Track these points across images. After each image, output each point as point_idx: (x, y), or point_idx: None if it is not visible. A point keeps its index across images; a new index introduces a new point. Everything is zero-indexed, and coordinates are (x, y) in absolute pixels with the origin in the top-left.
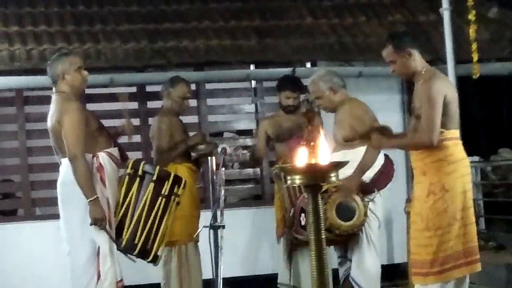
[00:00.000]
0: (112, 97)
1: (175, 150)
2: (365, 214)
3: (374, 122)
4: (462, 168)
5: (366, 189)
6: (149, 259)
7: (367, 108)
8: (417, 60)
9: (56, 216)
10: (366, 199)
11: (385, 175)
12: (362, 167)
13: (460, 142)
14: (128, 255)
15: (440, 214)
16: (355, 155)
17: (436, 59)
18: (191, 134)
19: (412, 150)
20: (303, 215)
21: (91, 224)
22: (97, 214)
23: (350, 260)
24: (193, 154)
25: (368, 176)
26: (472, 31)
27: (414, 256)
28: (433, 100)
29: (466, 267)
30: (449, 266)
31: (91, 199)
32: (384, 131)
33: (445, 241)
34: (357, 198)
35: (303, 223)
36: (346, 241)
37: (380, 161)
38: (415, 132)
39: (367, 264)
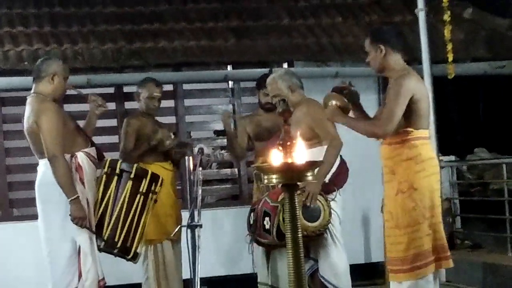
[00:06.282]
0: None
1: (137, 150)
2: (330, 214)
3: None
4: (430, 168)
5: (327, 189)
6: (130, 257)
7: (323, 108)
8: (389, 58)
9: (34, 217)
10: (328, 199)
11: (342, 175)
12: (325, 169)
13: (429, 142)
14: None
15: (409, 212)
16: (312, 154)
17: (412, 60)
18: None
19: (363, 134)
20: (267, 218)
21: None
22: (77, 213)
23: (312, 259)
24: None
25: (327, 177)
26: (447, 31)
27: (389, 254)
28: (399, 95)
29: (437, 263)
30: (420, 263)
31: (72, 198)
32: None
33: (415, 239)
34: (321, 199)
35: (267, 227)
36: (308, 241)
37: (336, 162)
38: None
39: (334, 260)
